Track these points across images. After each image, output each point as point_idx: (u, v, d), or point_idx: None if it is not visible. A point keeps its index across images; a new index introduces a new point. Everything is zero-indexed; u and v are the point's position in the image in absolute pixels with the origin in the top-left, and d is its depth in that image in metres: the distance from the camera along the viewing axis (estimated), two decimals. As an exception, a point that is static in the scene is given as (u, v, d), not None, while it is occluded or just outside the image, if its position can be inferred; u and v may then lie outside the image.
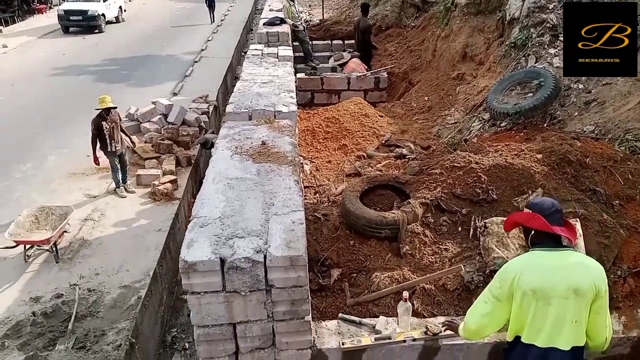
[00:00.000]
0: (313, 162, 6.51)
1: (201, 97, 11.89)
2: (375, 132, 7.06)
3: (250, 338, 3.08)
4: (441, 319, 3.48)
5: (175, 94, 12.58)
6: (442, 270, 3.81)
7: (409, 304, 3.33)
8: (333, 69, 10.83)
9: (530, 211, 2.77)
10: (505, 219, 3.94)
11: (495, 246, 3.79)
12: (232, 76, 14.91)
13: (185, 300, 7.19)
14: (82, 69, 14.80)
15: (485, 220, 4.07)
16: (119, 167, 7.90)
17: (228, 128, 4.58)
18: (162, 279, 6.77)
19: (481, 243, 3.96)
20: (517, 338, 2.80)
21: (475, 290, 3.74)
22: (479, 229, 4.07)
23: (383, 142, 6.91)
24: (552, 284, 2.60)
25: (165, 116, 10.31)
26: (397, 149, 6.61)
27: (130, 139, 8.28)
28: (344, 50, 11.87)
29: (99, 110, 7.45)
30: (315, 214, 4.68)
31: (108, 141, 7.52)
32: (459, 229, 4.28)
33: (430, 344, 3.31)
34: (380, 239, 4.31)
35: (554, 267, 2.64)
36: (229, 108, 5.09)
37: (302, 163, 5.99)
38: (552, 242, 2.70)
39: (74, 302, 5.79)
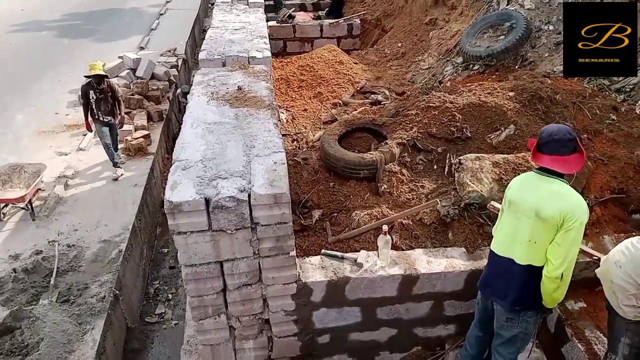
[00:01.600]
0: (289, 110, 6.49)
1: (169, 51, 11.57)
2: (350, 80, 7.04)
3: (237, 275, 3.17)
4: (419, 251, 3.61)
5: (142, 48, 12.17)
6: (419, 205, 3.94)
7: (389, 237, 3.45)
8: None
9: (536, 137, 2.86)
10: (478, 155, 4.10)
11: (470, 181, 3.92)
12: (199, 29, 14.49)
13: (165, 253, 7.29)
14: (43, 25, 14.13)
15: (459, 157, 4.19)
16: (110, 141, 7.25)
17: (202, 75, 4.52)
18: (142, 233, 6.79)
19: (456, 179, 4.09)
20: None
21: (451, 223, 3.90)
22: (453, 166, 4.19)
23: (358, 89, 6.91)
24: (522, 201, 2.84)
25: (134, 71, 10.02)
26: (372, 96, 6.63)
27: (122, 117, 7.50)
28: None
29: (89, 78, 6.85)
30: (295, 158, 4.73)
31: (95, 111, 7.00)
32: (435, 166, 4.40)
33: (410, 274, 3.46)
34: (359, 179, 4.40)
35: (530, 187, 2.84)
36: (201, 55, 5.00)
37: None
38: (544, 168, 2.81)
39: (54, 257, 5.79)
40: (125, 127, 8.22)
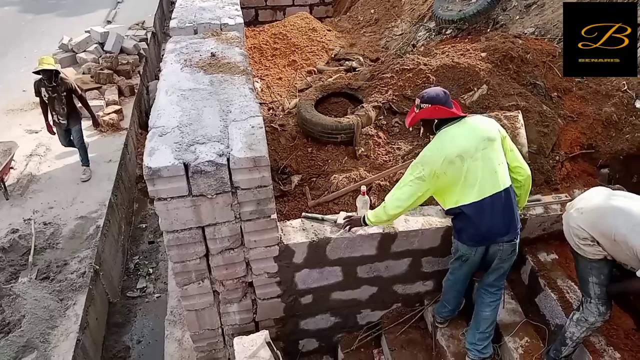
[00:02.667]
0: (263, 79, 6.44)
1: (137, 24, 11.29)
2: (324, 47, 7.00)
3: (219, 239, 3.20)
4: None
5: (109, 22, 11.85)
6: (396, 167, 4.00)
7: (367, 197, 3.51)
8: None
9: (430, 105, 3.05)
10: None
11: (445, 141, 3.98)
12: (168, 1, 14.13)
13: (144, 228, 7.26)
14: (5, 0, 13.61)
15: (435, 119, 4.23)
16: (76, 145, 6.71)
17: (174, 42, 4.44)
18: (119, 208, 6.74)
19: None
20: (460, 206, 3.11)
21: (428, 183, 3.97)
22: (429, 127, 4.24)
23: (332, 56, 6.88)
24: (471, 142, 3.01)
25: (102, 45, 9.77)
26: (346, 63, 6.61)
27: (93, 116, 6.93)
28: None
29: (38, 74, 6.12)
30: (272, 124, 4.72)
31: (49, 111, 6.42)
32: (410, 129, 4.45)
33: (388, 232, 3.54)
34: (337, 143, 4.43)
35: (465, 130, 3.06)
36: (172, 23, 4.92)
37: (252, 81, 5.91)
38: (452, 119, 3.10)
39: (30, 235, 5.72)
40: (96, 102, 8.06)
